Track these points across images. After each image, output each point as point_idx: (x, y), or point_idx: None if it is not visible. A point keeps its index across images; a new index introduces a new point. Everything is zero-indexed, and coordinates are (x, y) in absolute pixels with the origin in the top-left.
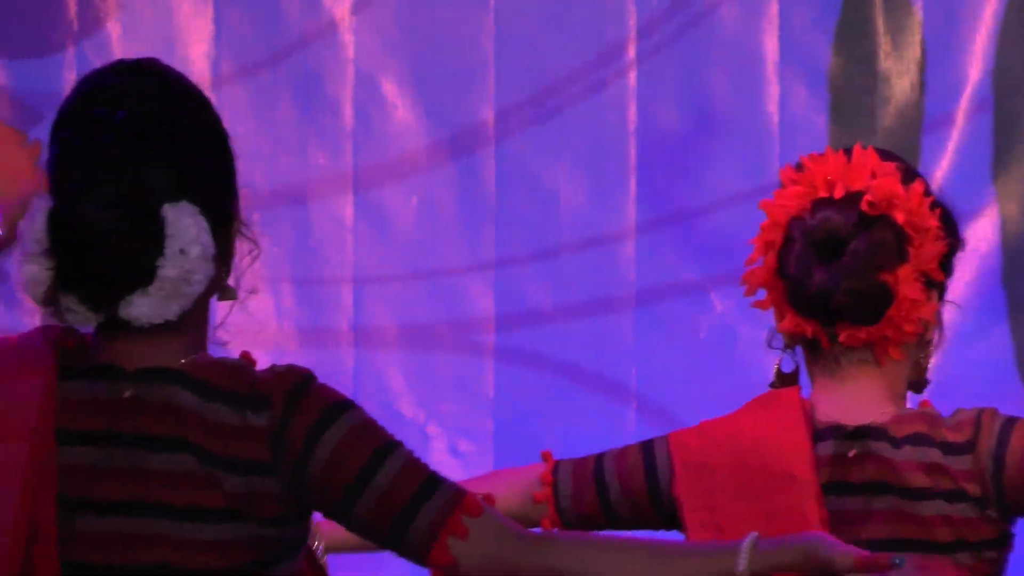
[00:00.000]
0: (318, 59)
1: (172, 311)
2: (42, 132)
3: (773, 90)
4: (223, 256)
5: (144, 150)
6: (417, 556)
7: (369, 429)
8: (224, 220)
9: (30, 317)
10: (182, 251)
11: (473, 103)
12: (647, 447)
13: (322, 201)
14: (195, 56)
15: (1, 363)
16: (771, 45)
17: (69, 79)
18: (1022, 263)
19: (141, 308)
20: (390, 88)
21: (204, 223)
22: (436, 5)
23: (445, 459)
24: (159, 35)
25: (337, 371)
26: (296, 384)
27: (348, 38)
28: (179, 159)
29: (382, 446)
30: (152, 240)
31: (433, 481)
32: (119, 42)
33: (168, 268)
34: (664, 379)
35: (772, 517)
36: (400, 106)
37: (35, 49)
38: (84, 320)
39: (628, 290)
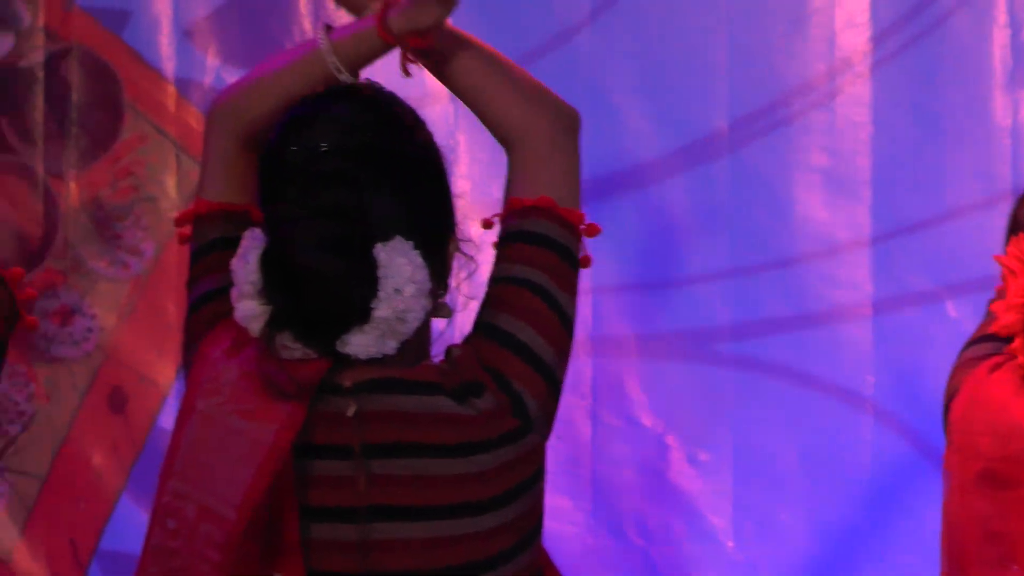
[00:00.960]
0: (553, 67)
1: (390, 347)
2: None
3: (1004, 99)
4: (440, 278)
5: (355, 185)
6: None
7: None
8: (440, 243)
9: None
10: (397, 291)
11: (707, 113)
12: None
13: None
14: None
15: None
16: (1002, 54)
17: None
18: None
19: (358, 346)
20: (623, 98)
21: (418, 259)
22: (670, 15)
23: (684, 469)
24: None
25: (576, 381)
26: (477, 359)
27: (582, 47)
28: (393, 192)
29: None
30: (366, 282)
31: None
32: None
33: (383, 309)
34: (900, 388)
35: None
36: (634, 116)
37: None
38: (301, 355)
39: (864, 299)
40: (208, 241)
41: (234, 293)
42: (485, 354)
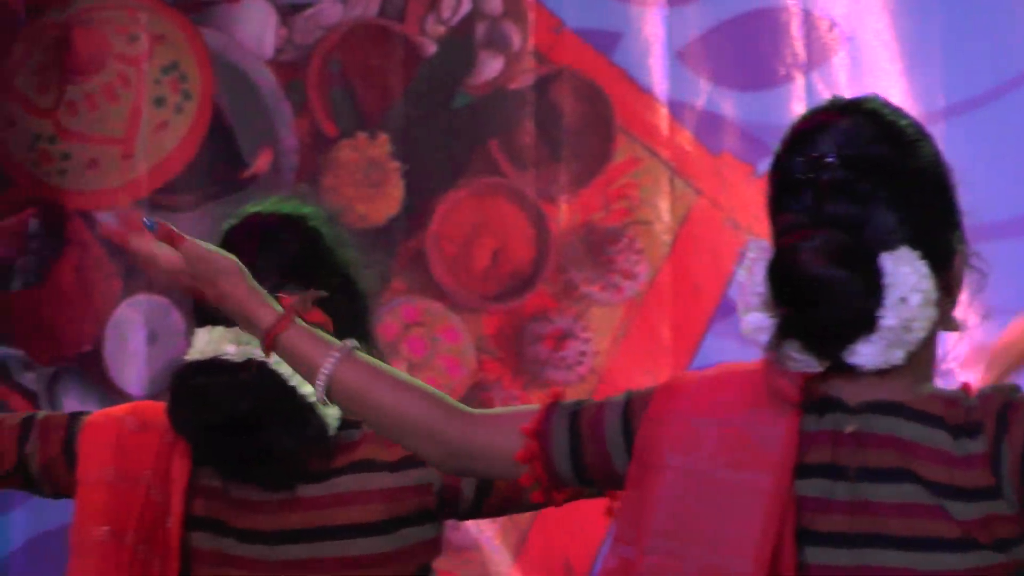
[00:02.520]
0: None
1: (896, 357)
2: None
3: None
4: (948, 291)
5: (861, 196)
6: None
7: None
8: (946, 256)
9: None
10: (903, 300)
11: None
12: None
13: None
14: (921, 88)
15: (752, 393)
16: None
17: (796, 111)
18: None
19: (865, 356)
20: None
21: (924, 268)
22: None
23: None
24: (886, 67)
25: None
26: (1003, 403)
27: None
28: (897, 204)
29: None
30: (873, 291)
31: None
32: (847, 73)
33: (889, 318)
34: None
35: None
36: None
37: (763, 81)
38: (806, 366)
39: None
40: None
41: (739, 305)
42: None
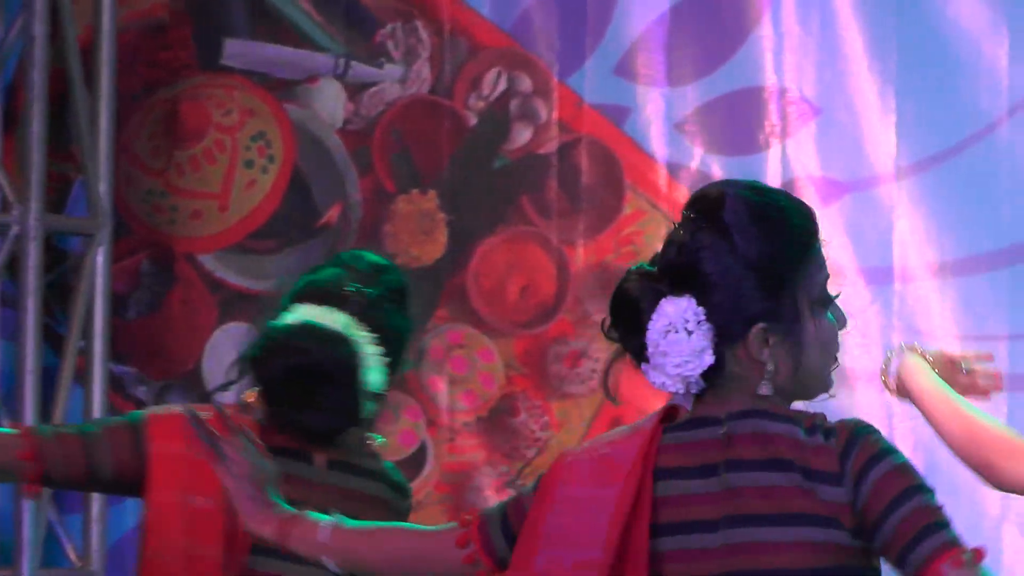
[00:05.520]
0: (980, 154)
1: (670, 385)
2: None
3: None
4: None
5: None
6: None
7: (905, 471)
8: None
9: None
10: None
11: None
12: None
13: (985, 272)
14: (877, 155)
15: (633, 430)
16: None
17: (772, 172)
18: None
19: (653, 381)
20: None
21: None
22: None
23: None
24: (850, 136)
25: None
26: (855, 424)
27: (1003, 138)
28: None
29: (913, 485)
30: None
31: (942, 523)
32: (816, 142)
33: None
34: None
35: None
36: None
37: (746, 147)
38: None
39: None
40: None
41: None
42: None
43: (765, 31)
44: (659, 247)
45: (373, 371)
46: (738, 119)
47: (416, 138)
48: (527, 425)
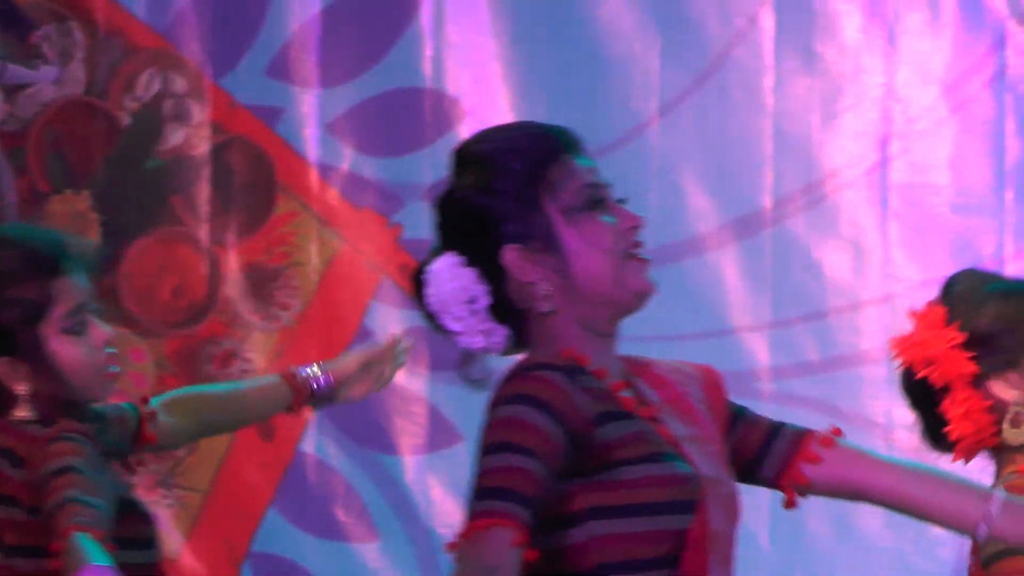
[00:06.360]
0: (627, 156)
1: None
2: (404, 216)
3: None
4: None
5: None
6: None
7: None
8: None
9: None
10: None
11: (755, 192)
12: None
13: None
14: None
15: None
16: None
17: (425, 172)
18: None
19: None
20: (686, 181)
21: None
22: (724, 112)
23: None
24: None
25: None
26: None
27: (653, 139)
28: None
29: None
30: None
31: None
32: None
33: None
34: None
35: None
36: (695, 196)
37: (398, 148)
38: None
39: (880, 346)
40: None
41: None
42: None
43: (417, 32)
44: (311, 248)
45: None
46: (390, 120)
47: (71, 139)
48: None
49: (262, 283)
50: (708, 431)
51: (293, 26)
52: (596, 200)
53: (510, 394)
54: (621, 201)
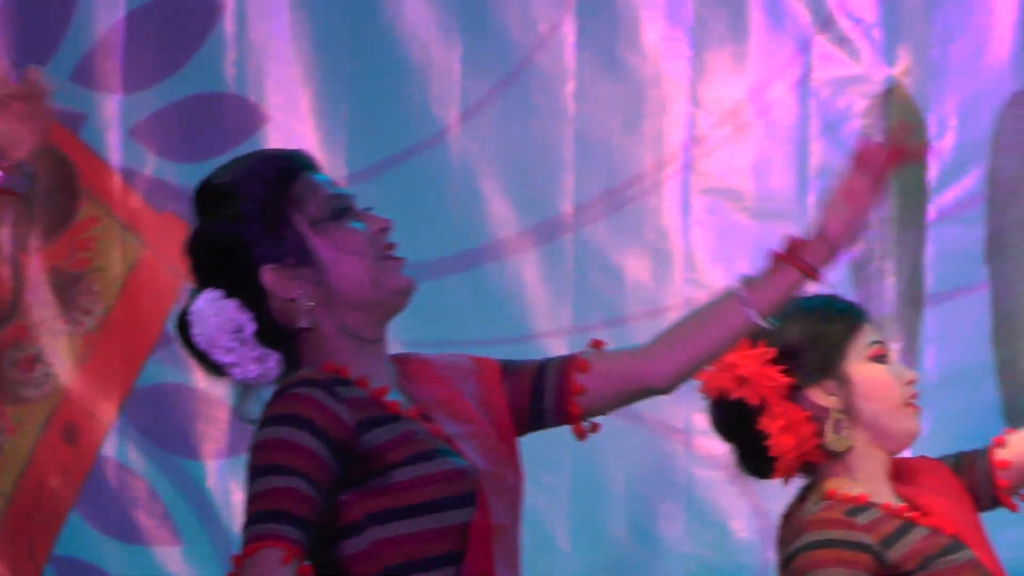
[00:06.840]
0: (430, 161)
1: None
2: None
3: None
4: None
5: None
6: None
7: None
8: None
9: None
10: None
11: (555, 198)
12: None
13: (434, 278)
14: (328, 161)
15: None
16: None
17: None
18: None
19: None
20: (487, 186)
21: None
22: (524, 118)
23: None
24: (300, 142)
25: None
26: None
27: (455, 145)
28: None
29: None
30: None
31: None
32: (271, 145)
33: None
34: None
35: None
36: (496, 200)
37: (200, 153)
38: None
39: None
40: None
41: None
42: None
43: (220, 37)
44: (113, 253)
45: None
46: (192, 125)
47: None
48: None
49: (65, 288)
50: (483, 425)
51: (98, 32)
52: (342, 209)
53: (271, 416)
54: (367, 209)
